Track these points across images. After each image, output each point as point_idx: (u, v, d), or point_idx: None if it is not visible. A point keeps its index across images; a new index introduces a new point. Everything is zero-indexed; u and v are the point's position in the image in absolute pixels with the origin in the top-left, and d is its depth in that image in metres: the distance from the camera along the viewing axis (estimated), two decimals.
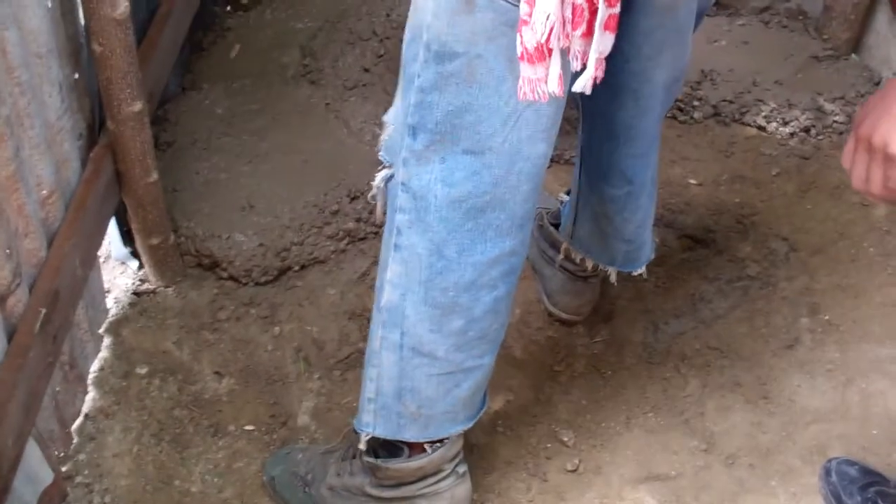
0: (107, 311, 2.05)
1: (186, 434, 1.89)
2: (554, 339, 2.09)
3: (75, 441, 1.83)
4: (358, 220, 2.18)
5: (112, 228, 2.05)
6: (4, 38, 1.45)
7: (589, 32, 1.27)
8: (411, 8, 1.41)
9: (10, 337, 1.51)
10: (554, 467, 1.88)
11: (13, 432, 1.47)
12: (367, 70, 2.47)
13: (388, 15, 2.59)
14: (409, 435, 1.66)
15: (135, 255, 2.10)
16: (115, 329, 2.01)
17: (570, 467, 1.88)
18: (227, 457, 1.86)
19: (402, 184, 1.48)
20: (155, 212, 1.97)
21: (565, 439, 1.92)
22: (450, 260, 1.51)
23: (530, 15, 1.24)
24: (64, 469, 1.78)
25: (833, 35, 2.72)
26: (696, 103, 2.55)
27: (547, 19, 1.23)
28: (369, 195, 1.60)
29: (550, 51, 1.26)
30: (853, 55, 2.73)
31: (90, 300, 1.94)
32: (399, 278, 1.54)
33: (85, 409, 1.88)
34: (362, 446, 1.68)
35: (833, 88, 2.62)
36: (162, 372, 1.97)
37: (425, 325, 1.56)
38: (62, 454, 1.79)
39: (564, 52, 1.28)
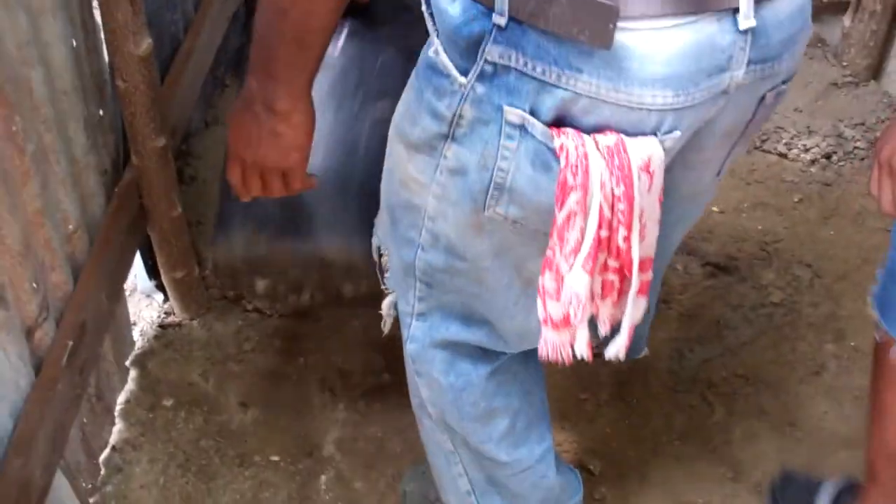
0: (133, 343, 2.07)
1: (213, 465, 1.89)
2: (579, 367, 2.07)
3: (102, 472, 1.84)
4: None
5: (137, 262, 2.07)
6: (30, 76, 1.47)
7: (619, 301, 1.21)
8: (394, 166, 1.33)
9: (37, 370, 1.53)
10: None
11: (41, 463, 1.48)
12: None
13: None
14: None
15: (160, 287, 2.12)
16: (141, 361, 2.03)
17: (596, 496, 1.88)
18: (254, 487, 1.86)
19: (419, 314, 1.45)
20: (179, 245, 1.99)
21: (591, 468, 1.91)
22: (467, 373, 1.50)
23: (558, 292, 1.17)
24: (91, 500, 1.79)
25: (852, 62, 2.73)
26: None
27: (576, 301, 1.16)
28: (385, 322, 1.56)
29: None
30: (872, 81, 2.73)
31: (117, 333, 1.96)
32: (432, 398, 1.54)
33: (112, 440, 1.89)
34: None
35: (853, 115, 2.62)
36: (188, 403, 1.98)
37: (474, 439, 1.56)
38: (90, 485, 1.80)
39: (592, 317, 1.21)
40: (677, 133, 1.12)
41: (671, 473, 1.92)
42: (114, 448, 1.89)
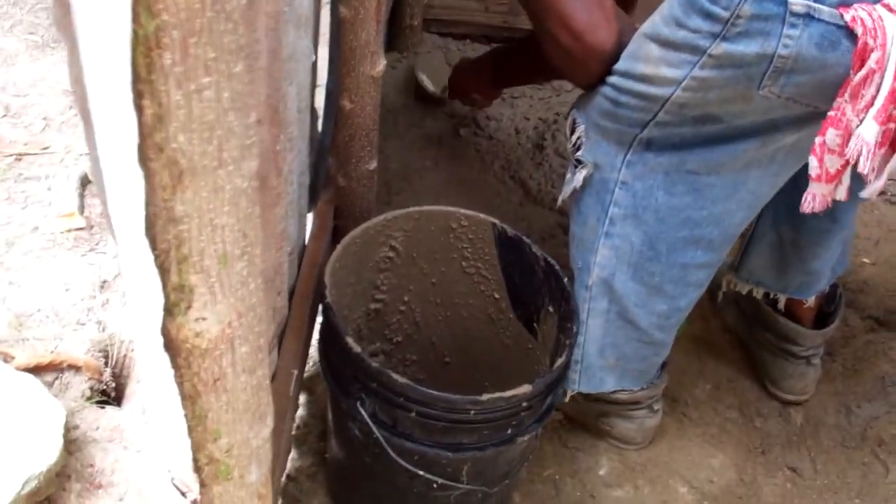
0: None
1: None
2: (748, 418, 2.04)
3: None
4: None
5: None
6: (287, 93, 1.41)
7: (891, 149, 1.31)
8: (638, 64, 1.44)
9: None
10: None
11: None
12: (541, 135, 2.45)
13: None
14: (608, 387, 1.80)
15: None
16: (308, 387, 1.96)
17: None
18: None
19: (623, 182, 1.55)
20: None
21: None
22: (659, 254, 1.60)
23: (843, 146, 1.29)
24: None
25: None
26: None
27: (865, 150, 1.28)
28: (564, 192, 1.65)
29: (848, 165, 1.32)
30: None
31: None
32: (608, 261, 1.64)
33: (288, 468, 1.81)
34: (566, 399, 1.82)
35: None
36: None
37: (631, 299, 1.67)
38: None
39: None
40: None
41: None
42: (289, 477, 1.81)
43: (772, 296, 2.02)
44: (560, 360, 1.53)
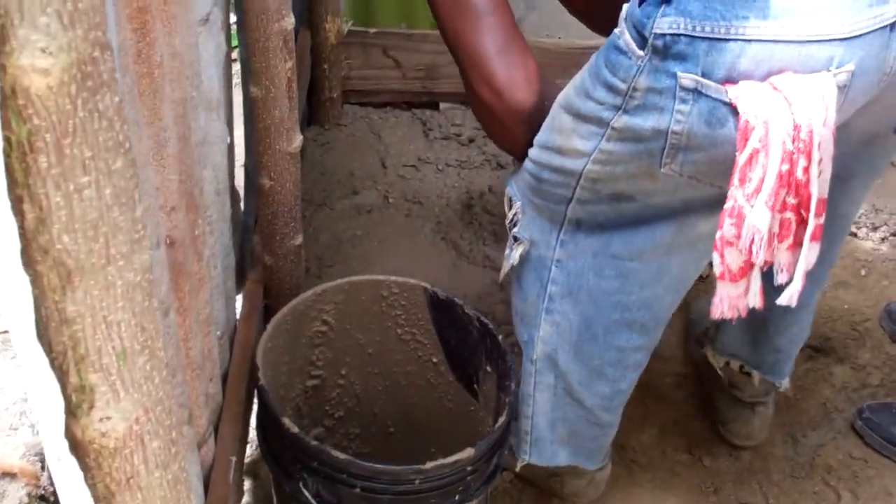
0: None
1: None
2: (696, 458, 2.04)
3: None
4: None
5: None
6: (203, 177, 1.41)
7: (795, 244, 1.26)
8: (554, 136, 1.42)
9: (205, 488, 1.44)
10: None
11: None
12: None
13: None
14: (560, 461, 1.78)
15: None
16: (254, 470, 1.93)
17: None
18: None
19: (558, 260, 1.54)
20: None
21: None
22: (596, 335, 1.59)
23: (738, 237, 1.23)
24: None
25: None
26: None
27: (757, 239, 1.22)
28: (504, 267, 1.61)
29: (753, 265, 1.26)
30: None
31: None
32: (550, 337, 1.62)
33: None
34: (518, 469, 1.82)
35: None
36: None
37: (575, 377, 1.66)
38: None
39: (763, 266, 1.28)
40: (850, 66, 1.18)
41: None
42: None
43: (746, 369, 1.99)
44: (501, 420, 1.52)
